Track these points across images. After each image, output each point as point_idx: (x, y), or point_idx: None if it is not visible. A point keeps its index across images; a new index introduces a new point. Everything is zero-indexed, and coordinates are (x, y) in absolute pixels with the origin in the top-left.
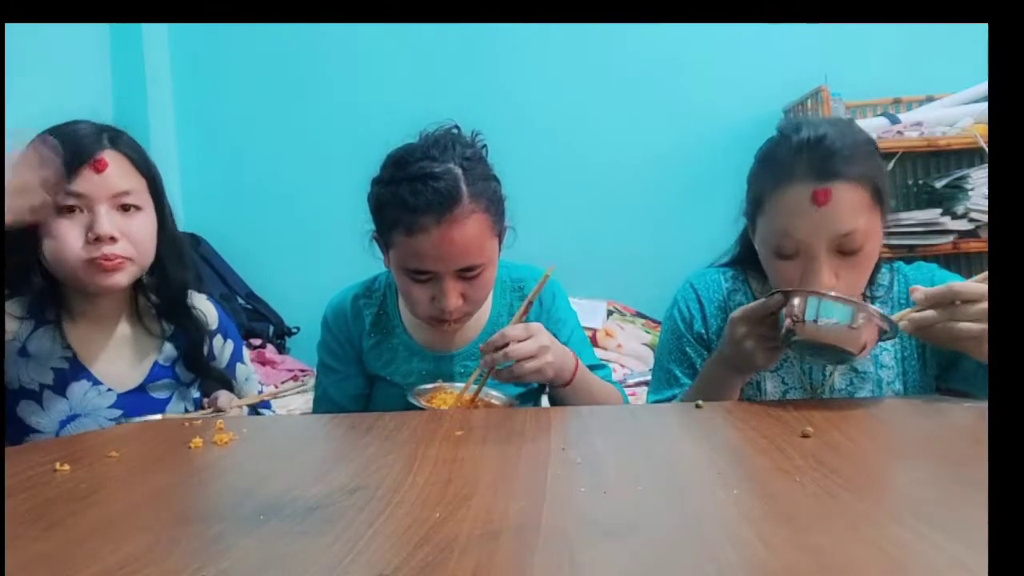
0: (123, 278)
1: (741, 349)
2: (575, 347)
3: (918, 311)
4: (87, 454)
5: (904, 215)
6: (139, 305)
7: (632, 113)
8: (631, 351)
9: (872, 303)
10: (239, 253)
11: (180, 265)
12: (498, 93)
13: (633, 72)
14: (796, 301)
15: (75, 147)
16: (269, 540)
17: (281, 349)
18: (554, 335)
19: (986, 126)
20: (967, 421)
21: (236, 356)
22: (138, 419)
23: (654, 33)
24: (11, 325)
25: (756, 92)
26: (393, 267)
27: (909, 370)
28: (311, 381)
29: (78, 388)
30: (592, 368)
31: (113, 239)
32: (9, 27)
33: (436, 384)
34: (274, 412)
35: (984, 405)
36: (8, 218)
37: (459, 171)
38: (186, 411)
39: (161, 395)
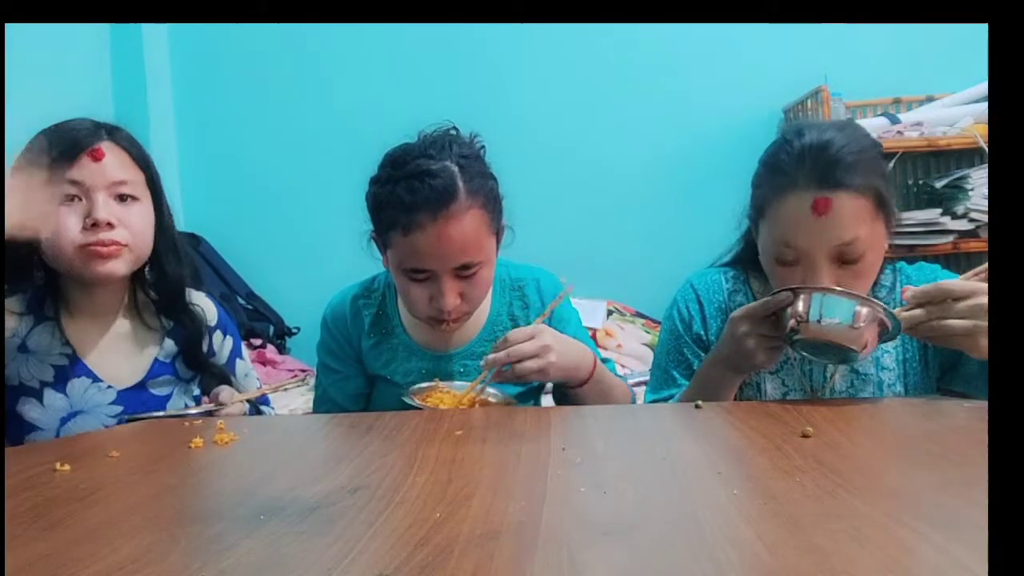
0: (119, 266)
1: (742, 347)
2: None
3: (907, 310)
4: (87, 454)
5: (904, 215)
6: (137, 300)
7: (632, 113)
8: (631, 351)
9: None
10: (239, 253)
11: (177, 261)
12: (498, 93)
13: (633, 72)
14: (801, 301)
15: (73, 138)
16: (269, 540)
17: (281, 349)
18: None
19: (986, 126)
20: (967, 421)
21: (235, 352)
22: (142, 415)
23: (654, 33)
24: (11, 322)
25: (756, 92)
26: (391, 267)
27: (910, 372)
28: (312, 380)
29: (78, 384)
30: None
31: (110, 225)
32: (9, 27)
33: (432, 383)
34: (274, 411)
35: (984, 405)
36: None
37: (455, 168)
38: (187, 407)
39: (162, 392)
